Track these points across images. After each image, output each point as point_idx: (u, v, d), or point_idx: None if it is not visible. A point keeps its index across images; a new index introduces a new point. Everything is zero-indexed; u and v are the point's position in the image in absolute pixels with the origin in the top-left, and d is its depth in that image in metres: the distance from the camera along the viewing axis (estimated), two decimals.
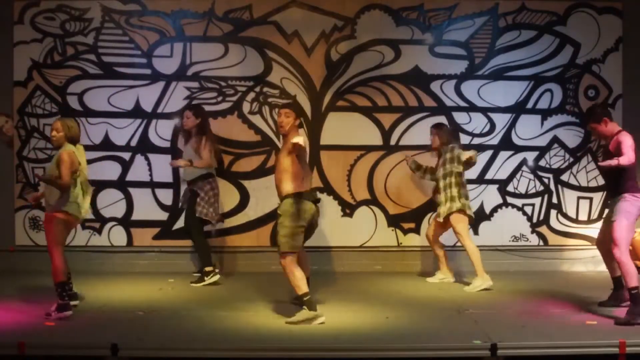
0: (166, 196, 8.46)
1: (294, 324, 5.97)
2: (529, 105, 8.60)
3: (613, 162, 5.95)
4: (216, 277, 7.64)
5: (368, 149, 8.55)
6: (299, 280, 6.04)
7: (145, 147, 8.46)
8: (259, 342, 5.48)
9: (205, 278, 7.62)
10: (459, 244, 7.79)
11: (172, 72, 8.47)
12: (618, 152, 6.08)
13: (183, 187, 8.09)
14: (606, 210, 6.57)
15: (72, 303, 6.36)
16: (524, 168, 8.60)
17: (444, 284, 7.72)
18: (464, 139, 8.42)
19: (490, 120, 8.58)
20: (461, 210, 7.46)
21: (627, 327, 5.78)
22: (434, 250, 7.88)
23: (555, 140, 8.61)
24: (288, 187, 6.14)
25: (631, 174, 6.15)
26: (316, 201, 6.22)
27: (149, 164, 8.45)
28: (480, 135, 8.56)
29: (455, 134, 7.91)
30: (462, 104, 8.56)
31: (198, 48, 8.49)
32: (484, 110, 8.56)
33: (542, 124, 8.60)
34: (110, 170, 8.40)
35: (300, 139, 6.02)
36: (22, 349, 5.25)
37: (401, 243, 8.58)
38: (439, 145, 7.67)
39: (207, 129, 7.79)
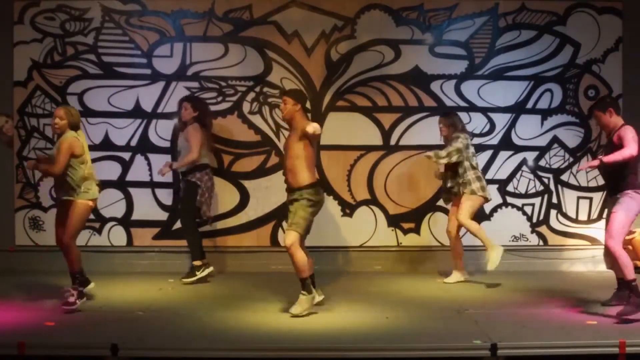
0: (166, 196, 8.46)
1: (299, 316, 6.08)
2: (529, 105, 8.60)
3: (618, 155, 5.99)
4: (208, 271, 7.68)
5: (368, 149, 8.55)
6: (304, 263, 6.15)
7: (145, 147, 8.46)
8: (259, 342, 5.48)
9: (197, 272, 7.65)
10: (477, 242, 7.64)
11: (172, 72, 8.47)
12: (622, 145, 6.08)
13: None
14: (606, 211, 6.55)
15: (89, 287, 6.57)
16: (524, 168, 8.60)
17: (445, 284, 7.71)
18: None
19: (490, 120, 8.58)
20: (473, 192, 7.48)
21: (628, 327, 5.77)
22: (454, 248, 7.76)
23: (555, 140, 8.61)
24: (306, 176, 6.21)
25: (633, 169, 6.15)
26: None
27: (149, 164, 8.45)
28: (480, 135, 8.56)
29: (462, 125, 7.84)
30: (462, 104, 8.55)
31: (198, 48, 8.49)
32: (484, 110, 8.56)
33: (542, 124, 8.60)
34: (110, 170, 8.39)
35: (311, 126, 6.02)
36: (22, 349, 5.24)
37: (401, 243, 8.58)
38: (448, 135, 7.67)
39: (203, 122, 7.76)
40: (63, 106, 6.74)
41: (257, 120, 8.52)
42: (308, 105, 8.43)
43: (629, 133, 6.11)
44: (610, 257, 6.28)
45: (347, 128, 8.51)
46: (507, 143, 8.58)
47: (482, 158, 8.50)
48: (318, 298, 6.39)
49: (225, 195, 8.48)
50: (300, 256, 6.15)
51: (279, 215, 8.31)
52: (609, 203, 6.36)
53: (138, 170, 8.47)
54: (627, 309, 5.96)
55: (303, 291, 6.19)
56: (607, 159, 6.06)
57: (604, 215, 8.13)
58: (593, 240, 8.53)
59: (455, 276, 7.76)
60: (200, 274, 7.65)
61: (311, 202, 6.19)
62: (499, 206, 8.60)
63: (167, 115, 8.44)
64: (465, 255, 7.85)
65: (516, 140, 8.58)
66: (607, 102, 6.39)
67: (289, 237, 6.16)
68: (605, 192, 8.38)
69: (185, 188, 7.75)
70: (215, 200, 8.31)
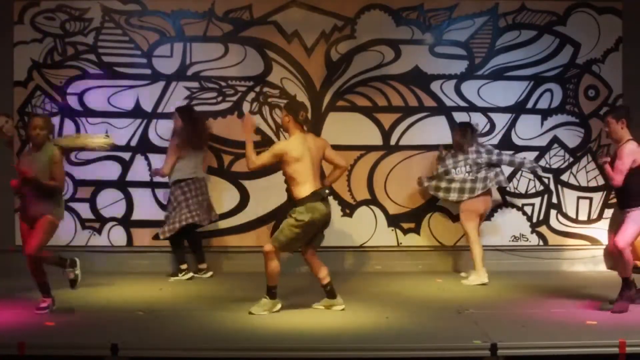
0: (166, 196, 8.42)
1: (257, 314, 6.19)
2: (529, 105, 8.60)
3: (610, 175, 6.25)
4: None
5: (368, 149, 8.55)
6: (276, 272, 6.24)
7: (145, 147, 8.46)
8: (258, 342, 5.48)
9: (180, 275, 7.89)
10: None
11: (172, 72, 8.47)
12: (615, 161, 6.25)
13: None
14: (609, 218, 6.62)
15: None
16: (524, 168, 8.59)
17: (444, 283, 7.72)
18: None
19: (490, 120, 8.57)
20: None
21: (628, 327, 5.78)
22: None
23: (555, 140, 8.61)
24: (298, 190, 6.30)
25: (637, 186, 6.19)
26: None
27: (149, 164, 8.45)
28: (480, 135, 8.53)
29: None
30: (462, 104, 8.55)
31: (198, 48, 8.49)
32: (484, 110, 8.55)
33: (542, 124, 8.60)
34: (110, 170, 8.40)
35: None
36: (22, 349, 5.25)
37: (401, 243, 8.58)
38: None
39: (187, 136, 7.78)
40: (41, 115, 6.56)
41: (257, 120, 8.51)
42: (308, 106, 8.47)
43: (624, 157, 6.17)
44: (612, 258, 6.35)
45: (347, 128, 8.51)
46: (507, 143, 8.57)
47: None
48: (278, 306, 6.38)
49: (225, 195, 8.47)
50: (274, 265, 6.22)
51: (278, 215, 8.29)
52: (617, 216, 6.41)
53: (138, 170, 8.47)
54: (623, 303, 6.12)
55: (267, 295, 6.29)
56: (607, 171, 6.28)
57: (604, 216, 8.18)
58: (593, 240, 8.53)
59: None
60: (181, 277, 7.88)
61: (299, 222, 6.17)
62: (499, 206, 8.59)
63: (167, 115, 8.41)
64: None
65: (516, 140, 8.58)
66: (623, 113, 6.36)
67: (267, 245, 6.26)
68: (604, 192, 8.48)
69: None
70: (215, 200, 8.33)
